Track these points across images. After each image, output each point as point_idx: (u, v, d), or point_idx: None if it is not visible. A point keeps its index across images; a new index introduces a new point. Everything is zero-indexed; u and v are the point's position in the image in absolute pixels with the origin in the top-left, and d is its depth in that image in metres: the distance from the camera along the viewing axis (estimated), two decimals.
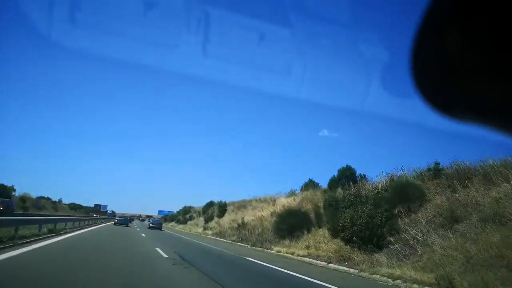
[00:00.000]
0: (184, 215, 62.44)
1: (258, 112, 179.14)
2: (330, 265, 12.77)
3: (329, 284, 8.69)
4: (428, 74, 0.80)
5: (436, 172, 15.18)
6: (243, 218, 28.74)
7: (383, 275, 9.98)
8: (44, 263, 7.86)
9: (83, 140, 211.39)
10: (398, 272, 9.77)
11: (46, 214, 35.35)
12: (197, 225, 46.02)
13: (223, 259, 13.34)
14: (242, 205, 36.32)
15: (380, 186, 17.28)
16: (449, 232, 10.80)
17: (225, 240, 26.19)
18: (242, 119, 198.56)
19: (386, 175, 17.60)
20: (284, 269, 11.13)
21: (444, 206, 12.21)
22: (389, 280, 9.54)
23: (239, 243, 23.18)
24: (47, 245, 11.26)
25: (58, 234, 16.05)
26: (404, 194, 14.03)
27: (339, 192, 19.42)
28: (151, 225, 41.42)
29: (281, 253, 16.80)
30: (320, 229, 17.24)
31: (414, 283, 8.81)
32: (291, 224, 18.65)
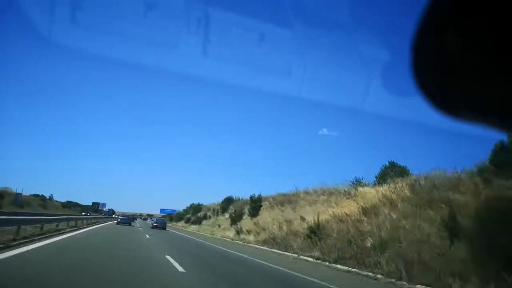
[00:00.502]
0: (195, 213, 55.61)
1: (257, 111, 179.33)
2: None
3: None
4: (428, 74, 0.81)
5: None
6: (317, 217, 16.41)
7: None
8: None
9: (83, 139, 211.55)
10: None
11: (23, 212, 30.34)
12: (219, 226, 36.29)
13: None
14: (286, 200, 26.97)
15: None
16: None
17: (290, 255, 15.33)
18: (241, 118, 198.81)
19: None
20: None
21: None
22: None
23: (340, 266, 11.86)
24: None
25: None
26: None
27: None
28: (154, 224, 39.41)
29: None
30: None
31: None
32: None
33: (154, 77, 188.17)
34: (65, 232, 17.02)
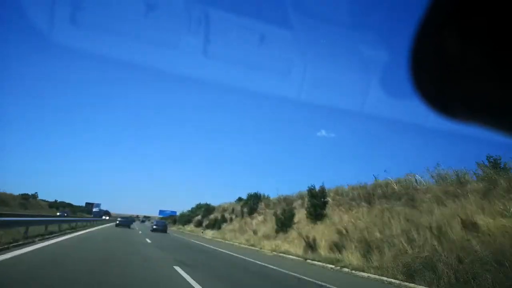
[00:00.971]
0: (207, 214, 47.74)
1: (257, 111, 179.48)
2: None
3: None
4: (427, 75, 0.80)
5: None
6: None
7: None
8: None
9: (80, 139, 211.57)
10: None
11: None
12: (254, 232, 25.83)
13: None
14: (362, 194, 19.30)
15: None
16: None
17: None
18: (242, 119, 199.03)
19: None
20: None
21: None
22: None
23: None
24: None
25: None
26: None
27: None
28: (154, 227, 37.34)
29: None
30: None
31: None
32: None
33: (153, 77, 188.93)
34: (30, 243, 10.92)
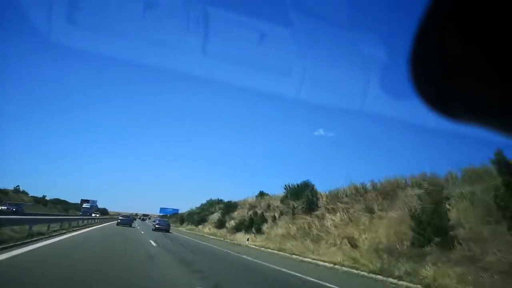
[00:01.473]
0: (228, 212, 38.21)
1: (256, 111, 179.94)
2: None
3: None
4: (427, 74, 0.80)
5: None
6: None
7: None
8: None
9: (79, 138, 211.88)
10: None
11: None
12: (351, 242, 15.73)
13: None
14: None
15: None
16: None
17: None
18: (240, 117, 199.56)
19: None
20: None
21: None
22: None
23: None
24: None
25: None
26: None
27: None
28: (156, 226, 34.74)
29: None
30: None
31: None
32: None
33: (153, 76, 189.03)
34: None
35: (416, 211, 13.23)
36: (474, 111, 0.77)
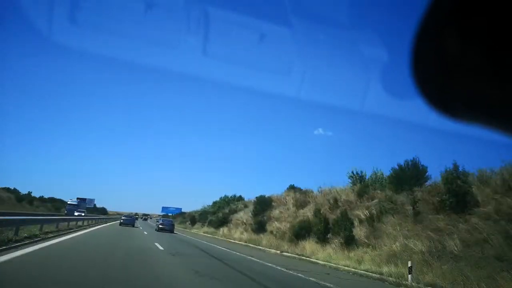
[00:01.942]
0: (264, 210, 29.20)
1: (256, 111, 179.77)
2: None
3: None
4: (428, 74, 0.80)
5: None
6: None
7: None
8: None
9: (82, 139, 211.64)
10: None
11: None
12: None
13: None
14: None
15: None
16: None
17: None
18: (240, 117, 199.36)
19: None
20: None
21: None
22: None
23: None
24: None
25: None
26: None
27: None
28: (160, 226, 33.42)
29: None
30: None
31: None
32: None
33: (153, 76, 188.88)
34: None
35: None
36: (475, 110, 0.77)
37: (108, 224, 39.09)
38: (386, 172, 21.76)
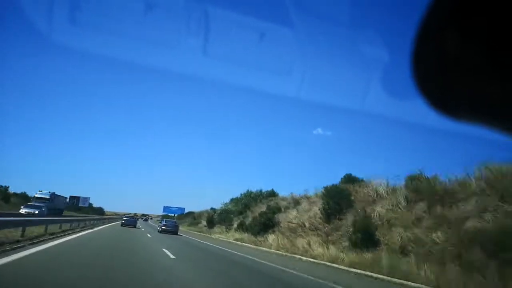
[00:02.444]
0: (344, 205, 19.18)
1: (256, 110, 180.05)
2: None
3: None
4: (428, 74, 0.80)
5: None
6: None
7: None
8: None
9: (80, 138, 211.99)
10: None
11: None
12: None
13: None
14: None
15: None
16: None
17: None
18: (239, 117, 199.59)
19: None
20: None
21: None
22: None
23: None
24: None
25: None
26: None
27: None
28: (163, 228, 31.18)
29: None
30: None
31: None
32: None
33: (153, 76, 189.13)
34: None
35: None
36: (475, 110, 0.77)
37: (102, 227, 30.27)
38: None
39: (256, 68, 12.11)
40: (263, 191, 37.80)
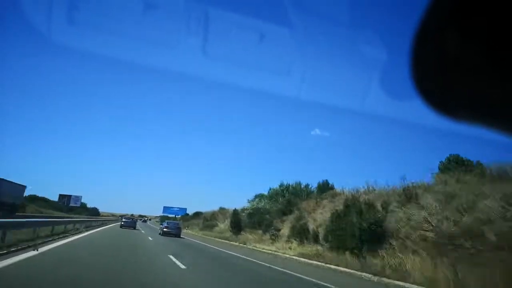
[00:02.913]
0: None
1: (256, 110, 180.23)
2: None
3: None
4: (428, 74, 0.80)
5: None
6: None
7: None
8: None
9: (78, 138, 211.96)
10: None
11: None
12: None
13: None
14: None
15: None
16: None
17: None
18: (239, 117, 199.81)
19: None
20: None
21: None
22: None
23: None
24: None
25: None
26: None
27: None
28: (165, 230, 28.47)
29: None
30: None
31: None
32: None
33: (153, 76, 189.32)
34: None
35: None
36: (475, 110, 0.77)
37: (92, 232, 23.62)
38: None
39: (255, 68, 12.12)
40: (309, 185, 28.50)
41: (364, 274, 12.07)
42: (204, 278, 8.85)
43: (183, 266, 9.56)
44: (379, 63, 10.25)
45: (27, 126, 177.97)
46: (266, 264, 13.73)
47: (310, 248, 18.30)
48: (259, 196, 35.03)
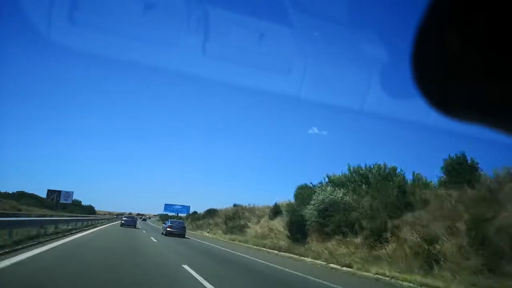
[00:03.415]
0: None
1: (256, 110, 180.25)
2: None
3: None
4: (428, 74, 0.80)
5: None
6: None
7: None
8: None
9: (76, 137, 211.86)
10: None
11: None
12: None
13: None
14: None
15: None
16: None
17: None
18: (239, 116, 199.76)
19: None
20: None
21: None
22: None
23: None
24: None
25: None
26: None
27: None
28: (168, 229, 26.14)
29: None
30: None
31: None
32: None
33: (153, 76, 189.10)
34: None
35: None
36: (475, 110, 0.77)
37: (83, 234, 18.61)
38: None
39: (255, 67, 12.10)
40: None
41: None
42: None
43: None
44: (380, 63, 10.24)
45: (27, 126, 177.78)
46: None
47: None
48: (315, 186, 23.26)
